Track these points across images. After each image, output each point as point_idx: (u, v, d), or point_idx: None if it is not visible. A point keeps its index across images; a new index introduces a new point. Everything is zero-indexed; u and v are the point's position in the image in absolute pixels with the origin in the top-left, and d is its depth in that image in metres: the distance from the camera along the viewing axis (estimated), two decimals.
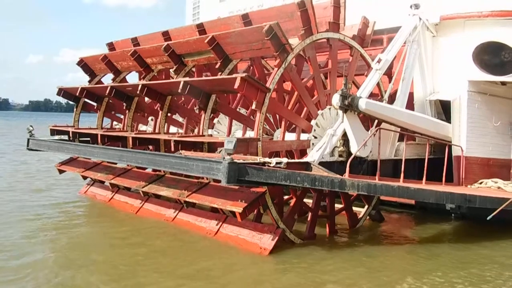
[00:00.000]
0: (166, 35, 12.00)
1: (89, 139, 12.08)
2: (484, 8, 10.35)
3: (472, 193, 8.89)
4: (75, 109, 13.00)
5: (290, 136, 9.33)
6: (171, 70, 10.93)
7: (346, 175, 8.02)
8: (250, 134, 9.74)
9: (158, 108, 10.67)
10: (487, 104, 10.76)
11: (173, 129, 11.78)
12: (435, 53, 10.91)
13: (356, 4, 11.66)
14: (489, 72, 10.22)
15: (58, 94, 12.77)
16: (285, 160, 7.46)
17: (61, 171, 12.45)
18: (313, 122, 9.36)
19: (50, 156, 19.08)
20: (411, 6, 10.53)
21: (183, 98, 12.04)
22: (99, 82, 13.14)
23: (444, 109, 10.86)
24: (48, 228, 9.17)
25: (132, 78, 13.83)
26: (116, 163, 11.13)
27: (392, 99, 10.11)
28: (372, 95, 9.77)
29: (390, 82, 10.30)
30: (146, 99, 11.76)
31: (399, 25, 10.48)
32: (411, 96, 10.53)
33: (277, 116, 10.14)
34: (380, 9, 11.84)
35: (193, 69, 11.30)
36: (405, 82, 10.17)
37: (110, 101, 12.30)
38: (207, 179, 8.96)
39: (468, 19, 10.50)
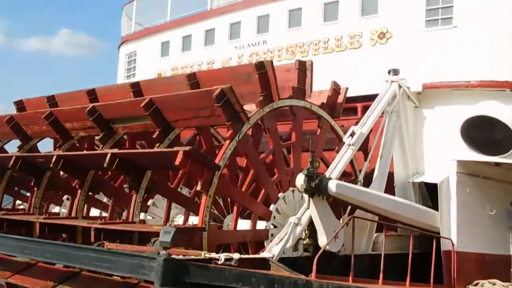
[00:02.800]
0: (91, 94, 12.10)
1: None
2: (472, 77, 11.15)
3: None
4: None
5: (244, 224, 9.37)
6: (96, 138, 10.96)
7: (313, 275, 8.03)
8: (193, 220, 9.72)
9: (77, 186, 10.57)
10: (480, 188, 11.27)
11: (94, 212, 11.61)
12: (418, 127, 11.48)
13: (325, 67, 12.30)
14: (480, 151, 10.76)
15: None
16: (236, 255, 7.44)
17: None
18: (272, 208, 9.48)
19: None
20: (389, 72, 11.17)
21: (109, 173, 11.96)
22: (2, 150, 12.95)
23: (430, 194, 11.26)
24: None
25: (45, 146, 13.68)
26: (16, 256, 10.70)
27: (368, 180, 10.40)
28: (344, 175, 9.99)
29: (365, 159, 10.68)
30: (62, 173, 11.60)
31: (375, 92, 11.04)
32: (390, 177, 10.90)
33: (228, 199, 10.20)
34: (353, 73, 12.50)
35: (125, 138, 11.39)
36: (384, 161, 10.55)
37: (14, 174, 12.07)
38: (136, 279, 8.76)
39: (455, 88, 11.23)
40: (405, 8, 12.33)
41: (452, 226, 10.70)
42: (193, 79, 10.56)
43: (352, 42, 13.04)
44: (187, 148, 8.18)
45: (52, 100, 12.95)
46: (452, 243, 10.53)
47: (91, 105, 10.53)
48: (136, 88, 11.36)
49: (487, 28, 11.35)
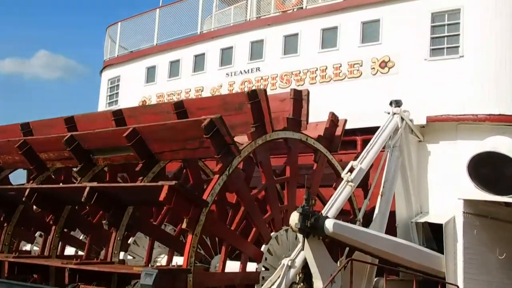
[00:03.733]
0: (70, 122, 12.05)
1: None
2: (480, 110, 11.28)
3: None
4: None
5: (233, 266, 9.29)
6: (74, 170, 10.92)
7: None
8: (178, 261, 9.64)
9: (51, 221, 10.48)
10: (489, 229, 11.29)
11: (70, 250, 11.52)
12: (422, 163, 11.55)
13: (323, 97, 12.40)
14: (488, 190, 10.77)
15: None
16: None
17: None
18: (263, 248, 9.43)
19: None
20: (391, 103, 11.26)
21: (87, 209, 11.89)
22: None
23: (434, 235, 11.25)
24: None
25: (18, 178, 13.61)
26: None
27: (368, 220, 10.39)
28: (342, 214, 10.01)
29: (365, 197, 10.69)
30: (35, 207, 11.50)
31: (376, 125, 11.14)
32: (392, 216, 10.91)
33: (216, 238, 10.17)
34: (352, 104, 12.62)
35: (105, 170, 11.35)
36: (385, 199, 10.56)
37: None
38: None
39: (461, 122, 11.34)
40: (408, 36, 12.49)
41: (459, 271, 10.68)
42: (180, 108, 10.55)
43: (351, 71, 13.14)
44: (173, 182, 8.17)
45: (26, 128, 12.87)
46: None
47: (69, 134, 10.52)
48: (119, 116, 11.34)
49: (495, 58, 11.52)
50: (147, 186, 8.95)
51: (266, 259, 9.41)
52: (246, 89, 9.89)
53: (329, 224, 8.81)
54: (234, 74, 15.19)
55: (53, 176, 11.98)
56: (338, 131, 11.03)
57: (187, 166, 11.09)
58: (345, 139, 11.44)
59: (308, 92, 10.30)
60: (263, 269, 9.34)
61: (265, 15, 15.47)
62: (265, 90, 9.61)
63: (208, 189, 8.68)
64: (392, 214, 10.94)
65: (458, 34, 11.76)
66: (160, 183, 8.36)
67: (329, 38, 13.71)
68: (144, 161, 9.55)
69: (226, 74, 15.35)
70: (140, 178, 9.93)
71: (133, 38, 18.77)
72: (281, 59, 14.44)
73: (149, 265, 9.55)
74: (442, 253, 10.78)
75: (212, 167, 10.86)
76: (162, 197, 7.97)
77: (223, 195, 10.16)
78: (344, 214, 10.41)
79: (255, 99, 9.37)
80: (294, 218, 8.67)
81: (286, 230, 9.68)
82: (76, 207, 10.88)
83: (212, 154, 8.87)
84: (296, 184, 10.18)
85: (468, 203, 11.04)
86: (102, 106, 18.68)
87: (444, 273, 10.64)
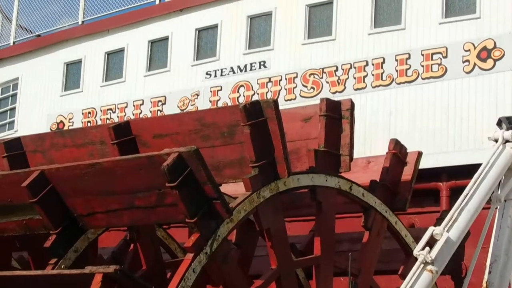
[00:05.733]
0: None
1: None
2: None
3: None
4: None
5: None
6: None
7: None
8: None
9: None
10: None
11: None
12: None
13: (378, 112, 12.69)
14: None
15: None
16: None
17: None
18: None
19: None
20: (499, 122, 11.16)
21: None
22: None
23: None
24: None
25: None
26: None
27: None
28: None
29: None
30: None
31: (475, 162, 11.17)
32: None
33: None
34: (431, 124, 12.70)
35: None
36: None
37: None
38: None
39: None
40: None
41: None
42: (124, 134, 10.64)
43: (428, 66, 13.26)
44: (111, 268, 7.98)
45: None
46: None
47: None
48: (15, 151, 11.46)
49: None
50: (64, 276, 8.76)
51: None
52: (241, 100, 9.71)
53: None
54: (221, 74, 15.37)
55: None
56: (407, 174, 11.06)
57: (137, 239, 11.01)
58: (419, 187, 11.50)
59: (353, 104, 10.30)
60: None
61: None
62: (275, 101, 9.51)
63: (173, 281, 8.53)
64: None
65: None
66: (87, 269, 8.18)
67: (388, 10, 13.79)
68: (59, 230, 9.48)
69: (206, 73, 15.53)
70: (53, 261, 9.76)
71: (40, 13, 18.93)
72: (303, 47, 14.51)
73: None
74: None
75: (182, 240, 10.74)
76: None
77: None
78: None
79: (259, 118, 9.35)
80: None
81: None
82: None
83: (181, 217, 8.75)
84: (333, 269, 10.17)
85: None
86: None
87: None
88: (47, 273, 9.35)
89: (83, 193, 9.44)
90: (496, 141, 11.15)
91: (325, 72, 14.03)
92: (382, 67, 13.56)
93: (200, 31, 15.44)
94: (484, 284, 10.47)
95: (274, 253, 9.61)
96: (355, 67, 13.75)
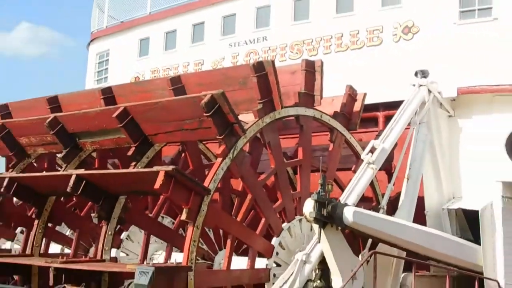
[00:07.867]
0: (53, 102, 12.04)
1: None
2: None
3: None
4: None
5: (240, 263, 9.21)
6: (58, 156, 10.84)
7: None
8: (177, 258, 9.55)
9: (33, 215, 10.44)
10: None
11: (55, 248, 11.49)
12: (453, 141, 11.43)
13: (338, 68, 12.37)
14: None
15: None
16: None
17: None
18: (274, 242, 9.36)
19: None
20: (416, 73, 11.14)
21: (74, 200, 11.85)
22: None
23: (470, 224, 11.17)
24: None
25: None
26: None
27: (393, 207, 10.31)
28: (363, 201, 9.93)
29: (389, 181, 10.58)
30: (15, 200, 11.47)
31: (400, 99, 11.00)
32: (420, 203, 10.76)
33: (220, 231, 10.10)
34: (372, 75, 12.53)
35: (93, 156, 11.32)
36: (412, 183, 10.47)
37: None
38: None
39: (497, 94, 11.16)
40: None
41: (498, 264, 10.61)
42: (177, 84, 10.52)
43: (370, 38, 13.06)
44: (170, 167, 8.04)
45: (4, 110, 12.88)
46: (499, 286, 10.36)
47: (52, 115, 10.40)
48: (108, 95, 11.27)
49: None
50: (140, 173, 8.84)
51: (277, 254, 9.32)
52: (251, 61, 9.78)
53: (348, 212, 8.67)
54: (238, 45, 15.21)
55: (35, 164, 11.92)
56: (357, 107, 10.95)
57: (186, 150, 11.08)
58: (365, 116, 11.34)
59: (322, 63, 10.18)
60: (274, 265, 9.25)
61: None
62: (273, 62, 9.53)
63: (209, 175, 8.57)
64: (421, 200, 10.82)
65: None
66: (154, 168, 8.25)
67: (345, 1, 13.67)
68: (136, 144, 9.47)
69: (229, 45, 15.37)
70: (133, 164, 9.83)
71: (123, 7, 18.92)
72: (291, 27, 14.45)
73: (145, 262, 9.53)
74: (479, 244, 10.64)
75: (214, 150, 10.82)
76: (157, 184, 7.85)
77: (227, 181, 10.29)
78: (365, 201, 10.40)
79: (262, 72, 9.28)
80: (309, 206, 8.54)
81: (300, 221, 9.59)
82: (62, 199, 10.88)
83: (213, 135, 8.77)
84: (310, 167, 10.11)
85: (508, 186, 10.95)
86: (90, 83, 18.72)
87: (481, 267, 10.53)
88: (129, 171, 9.47)
89: (151, 121, 9.43)
90: (414, 85, 11.15)
91: (304, 43, 13.98)
92: (341, 39, 13.46)
93: (225, 17, 15.46)
94: (406, 176, 10.51)
95: (273, 158, 9.68)
96: (324, 39, 13.70)
